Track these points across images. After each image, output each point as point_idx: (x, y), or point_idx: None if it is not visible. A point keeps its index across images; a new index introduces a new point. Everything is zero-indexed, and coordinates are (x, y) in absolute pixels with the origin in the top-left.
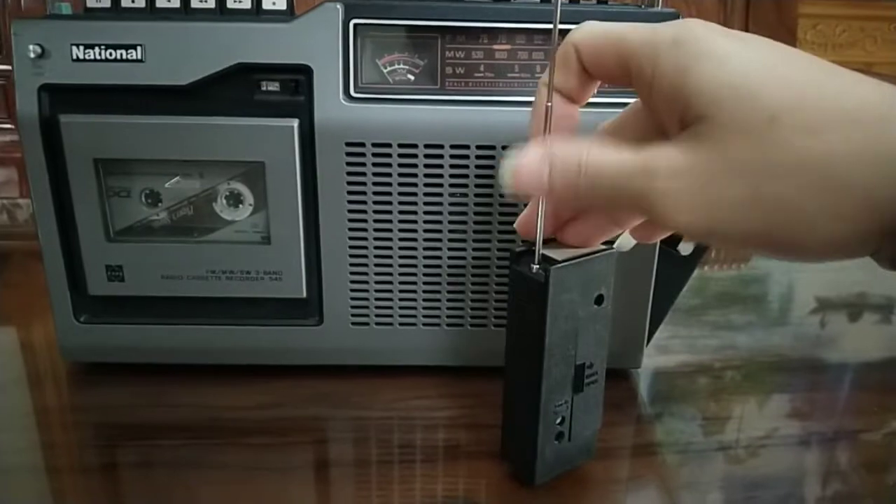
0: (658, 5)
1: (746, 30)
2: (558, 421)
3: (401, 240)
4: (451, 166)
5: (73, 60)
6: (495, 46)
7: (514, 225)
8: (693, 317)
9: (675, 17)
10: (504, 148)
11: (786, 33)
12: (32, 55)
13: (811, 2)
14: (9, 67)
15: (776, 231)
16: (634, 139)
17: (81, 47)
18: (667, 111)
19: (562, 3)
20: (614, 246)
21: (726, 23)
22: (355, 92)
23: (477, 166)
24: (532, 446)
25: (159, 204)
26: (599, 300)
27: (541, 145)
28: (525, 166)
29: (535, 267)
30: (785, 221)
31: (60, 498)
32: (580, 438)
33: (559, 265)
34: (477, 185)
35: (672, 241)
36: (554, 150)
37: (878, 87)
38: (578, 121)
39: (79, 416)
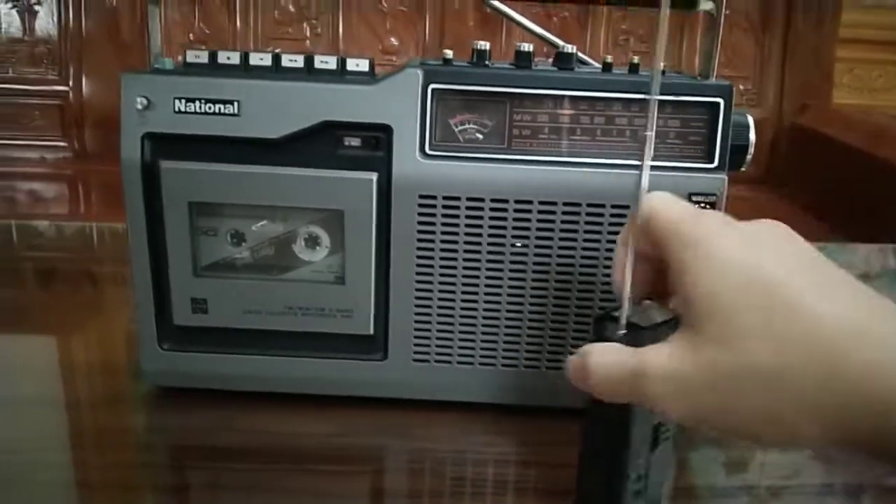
0: (713, 76)
1: (783, 73)
2: (636, 478)
3: (464, 285)
4: (515, 220)
5: (175, 112)
6: (559, 111)
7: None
8: None
9: (728, 88)
10: (565, 204)
11: (822, 77)
12: (139, 107)
13: (848, 46)
14: (65, 88)
15: (752, 431)
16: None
17: (183, 100)
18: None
19: (621, 74)
20: None
21: (762, 65)
22: (430, 149)
23: (539, 220)
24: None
25: (243, 243)
26: None
27: (580, 353)
28: (571, 365)
29: (620, 334)
30: (760, 426)
31: None
32: (655, 492)
33: (644, 331)
34: (538, 238)
35: None
36: (583, 353)
37: (855, 301)
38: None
39: (150, 438)
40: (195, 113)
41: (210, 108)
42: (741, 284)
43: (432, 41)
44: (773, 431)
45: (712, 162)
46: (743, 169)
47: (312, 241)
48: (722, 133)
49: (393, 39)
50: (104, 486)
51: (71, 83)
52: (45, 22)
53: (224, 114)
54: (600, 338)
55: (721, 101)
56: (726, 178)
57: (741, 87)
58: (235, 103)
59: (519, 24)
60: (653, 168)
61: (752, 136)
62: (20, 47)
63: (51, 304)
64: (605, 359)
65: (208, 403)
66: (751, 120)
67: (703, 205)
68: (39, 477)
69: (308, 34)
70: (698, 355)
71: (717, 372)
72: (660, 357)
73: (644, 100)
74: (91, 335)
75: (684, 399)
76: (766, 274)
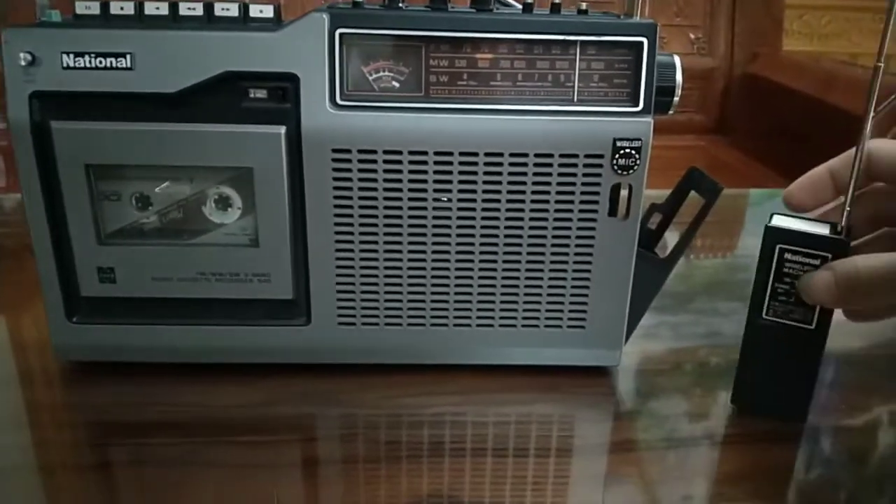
0: (636, 15)
1: (733, 22)
2: None
3: (386, 243)
4: (436, 172)
5: (64, 68)
6: (478, 56)
7: (784, 193)
8: (680, 304)
9: (651, 26)
10: (487, 154)
11: (772, 23)
12: (23, 63)
13: None
14: None
15: None
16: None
17: (71, 55)
18: None
19: (542, 15)
20: None
21: (713, 13)
22: (341, 99)
23: (460, 172)
24: (808, 391)
25: (149, 207)
26: None
27: (826, 268)
28: (818, 282)
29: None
30: None
31: (53, 497)
32: None
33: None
34: (460, 191)
35: (649, 244)
36: (834, 267)
37: None
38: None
39: (72, 415)
40: (85, 68)
41: (101, 62)
42: None
43: None
44: None
45: (637, 105)
46: (671, 112)
47: (223, 203)
48: (646, 74)
49: None
50: (19, 467)
51: None
52: None
53: (116, 68)
54: (823, 249)
55: (644, 40)
56: (652, 121)
57: (692, 35)
58: (128, 56)
59: None
60: (576, 113)
61: (679, 77)
62: None
63: None
64: (873, 262)
65: (126, 377)
66: (678, 60)
67: (628, 150)
68: None
69: None
70: None
71: None
72: None
73: (567, 41)
74: (35, 311)
75: None
76: None
